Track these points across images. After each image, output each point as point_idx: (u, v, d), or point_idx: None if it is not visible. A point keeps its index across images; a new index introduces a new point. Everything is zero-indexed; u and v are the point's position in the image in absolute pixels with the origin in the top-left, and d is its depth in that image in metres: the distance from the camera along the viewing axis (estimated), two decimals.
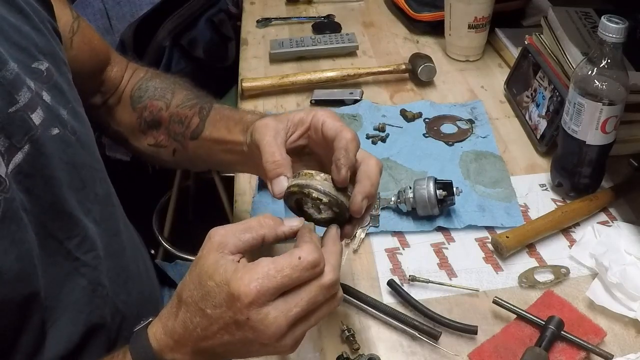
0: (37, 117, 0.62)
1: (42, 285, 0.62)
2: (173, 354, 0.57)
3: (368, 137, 1.05)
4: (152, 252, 0.97)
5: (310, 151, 0.72)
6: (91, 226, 0.70)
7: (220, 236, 0.57)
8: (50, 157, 0.63)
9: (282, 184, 0.64)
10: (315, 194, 0.62)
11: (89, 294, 0.69)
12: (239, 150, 0.76)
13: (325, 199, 0.62)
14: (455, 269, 0.82)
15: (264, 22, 1.43)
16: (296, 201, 0.65)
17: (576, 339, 0.70)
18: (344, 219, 0.65)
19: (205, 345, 0.56)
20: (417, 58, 1.19)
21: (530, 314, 0.73)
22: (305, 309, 0.54)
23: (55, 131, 0.65)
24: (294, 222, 0.59)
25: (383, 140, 1.04)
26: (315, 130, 0.68)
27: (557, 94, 0.98)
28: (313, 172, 0.63)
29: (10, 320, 0.60)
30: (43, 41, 0.69)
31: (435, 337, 0.72)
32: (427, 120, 1.08)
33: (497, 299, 0.74)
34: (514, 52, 1.19)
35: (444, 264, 0.83)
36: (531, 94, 1.05)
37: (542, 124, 1.00)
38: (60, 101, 0.68)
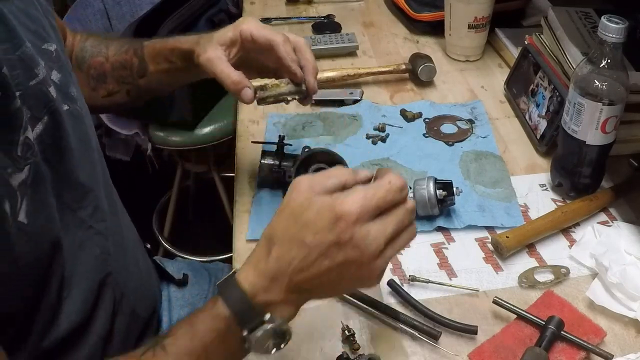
0: (53, 92, 0.66)
1: (62, 251, 0.65)
2: (267, 294, 0.57)
3: (368, 137, 1.05)
4: (148, 246, 0.98)
5: (248, 57, 0.84)
6: (102, 196, 0.74)
7: (308, 180, 0.58)
8: (66, 130, 0.67)
9: (247, 93, 0.80)
10: (289, 97, 0.84)
11: (101, 262, 0.73)
12: (185, 70, 0.88)
13: (296, 97, 0.84)
14: (455, 269, 0.82)
15: (264, 22, 1.43)
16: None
17: (576, 339, 0.70)
18: (306, 95, 0.85)
19: (300, 279, 0.56)
20: (417, 58, 1.19)
21: (530, 314, 0.73)
22: (396, 230, 0.57)
23: (66, 107, 0.69)
24: (367, 172, 0.61)
25: (383, 140, 1.04)
26: (247, 42, 0.82)
27: (557, 94, 0.98)
28: (277, 81, 0.83)
29: (34, 281, 0.62)
30: (47, 24, 0.72)
31: (435, 337, 0.72)
32: (427, 120, 1.08)
33: (497, 299, 0.74)
34: (514, 52, 1.19)
35: (444, 264, 0.83)
36: (531, 93, 1.06)
37: (542, 124, 1.00)
38: (69, 80, 0.72)
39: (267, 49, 0.81)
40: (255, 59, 0.85)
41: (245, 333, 0.56)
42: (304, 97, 0.85)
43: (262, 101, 0.83)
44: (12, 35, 0.62)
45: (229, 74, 0.79)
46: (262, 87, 0.83)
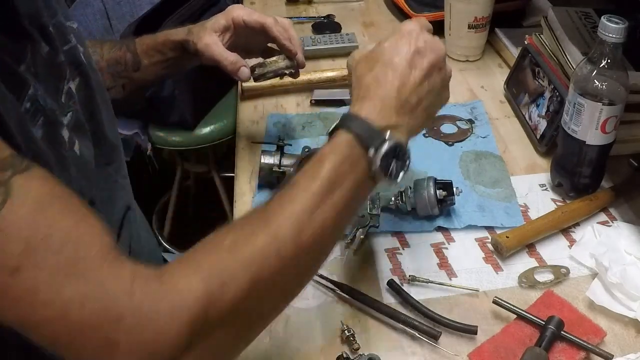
0: (81, 57, 0.70)
1: (96, 197, 0.67)
2: (382, 119, 0.61)
3: None
4: None
5: (237, 41, 0.92)
6: (122, 155, 0.79)
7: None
8: (94, 89, 0.71)
9: (244, 72, 0.89)
10: (286, 71, 0.92)
11: (125, 214, 0.78)
12: (178, 59, 0.94)
13: (292, 70, 0.93)
14: (455, 269, 0.82)
15: None
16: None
17: (576, 339, 0.70)
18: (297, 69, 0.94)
19: (405, 95, 0.63)
20: None
21: (530, 314, 0.73)
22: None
23: (91, 73, 0.73)
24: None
25: None
26: (240, 27, 0.91)
27: (557, 94, 0.98)
28: (274, 58, 0.92)
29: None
30: (67, 6, 0.76)
31: (435, 337, 0.72)
32: None
33: (497, 299, 0.74)
34: (514, 52, 1.18)
35: (444, 264, 0.83)
36: (532, 93, 1.06)
37: (542, 124, 1.00)
38: (89, 55, 0.76)
39: (260, 32, 0.91)
40: (244, 42, 0.94)
41: (371, 152, 0.58)
42: (295, 71, 0.94)
43: (261, 77, 0.91)
44: (49, 5, 0.66)
45: (227, 56, 0.88)
46: (261, 64, 0.91)
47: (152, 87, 1.04)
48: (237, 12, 0.91)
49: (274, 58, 0.92)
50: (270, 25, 0.90)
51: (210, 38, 0.89)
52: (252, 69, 0.91)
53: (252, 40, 0.94)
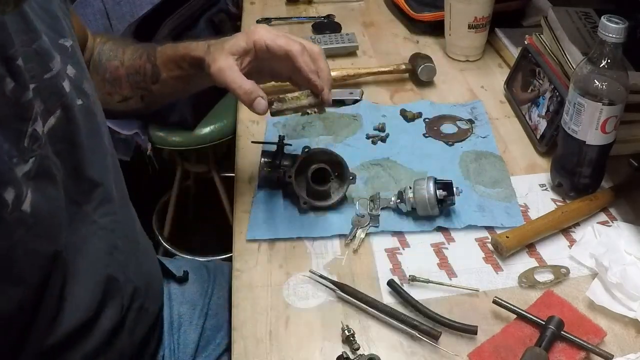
0: (67, 86, 0.67)
1: (66, 245, 0.65)
2: None
3: (368, 137, 1.05)
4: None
5: (260, 64, 0.83)
6: (112, 189, 0.75)
7: None
8: (78, 124, 0.68)
9: (260, 104, 0.78)
10: (309, 110, 0.81)
11: (107, 256, 0.72)
12: (197, 77, 0.87)
13: (315, 109, 0.82)
14: (455, 269, 0.82)
15: (264, 22, 1.43)
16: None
17: (576, 339, 0.70)
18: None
19: None
20: (417, 58, 1.19)
21: (530, 314, 0.73)
22: None
23: (80, 102, 0.69)
24: None
25: (383, 140, 1.04)
26: (262, 52, 0.81)
27: (557, 94, 0.98)
28: (297, 94, 0.81)
29: (35, 275, 0.62)
30: (66, 23, 0.73)
31: (435, 337, 0.72)
32: (427, 120, 1.08)
33: (497, 299, 0.74)
34: (514, 52, 1.19)
35: (444, 264, 0.83)
36: (531, 93, 1.06)
37: (542, 124, 1.00)
38: (83, 75, 0.73)
39: (284, 59, 0.80)
40: (269, 65, 0.84)
41: None
42: (319, 109, 0.83)
43: (278, 113, 0.81)
44: (30, 28, 0.63)
45: (241, 84, 0.78)
46: (281, 99, 0.80)
47: (171, 100, 0.99)
48: (259, 35, 0.81)
49: (296, 94, 0.81)
50: (296, 54, 0.79)
51: (225, 62, 0.79)
52: (270, 102, 0.80)
53: (277, 64, 0.84)
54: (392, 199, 0.89)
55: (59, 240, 0.64)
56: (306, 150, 0.90)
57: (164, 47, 0.91)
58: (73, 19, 0.86)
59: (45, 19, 0.69)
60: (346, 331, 0.73)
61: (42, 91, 0.63)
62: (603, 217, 0.89)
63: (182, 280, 0.98)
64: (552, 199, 0.92)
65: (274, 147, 0.94)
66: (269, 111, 0.80)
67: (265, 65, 0.84)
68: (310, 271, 0.81)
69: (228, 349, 0.88)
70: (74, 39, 0.74)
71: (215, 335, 0.94)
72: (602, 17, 0.78)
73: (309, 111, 0.82)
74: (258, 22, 1.43)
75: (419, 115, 1.10)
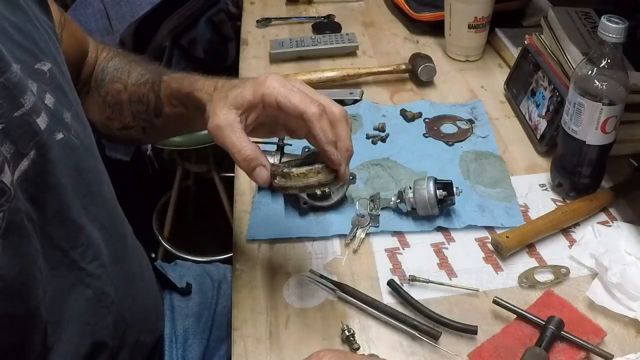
0: (42, 122, 0.60)
1: (45, 298, 0.60)
2: None
3: (368, 137, 1.05)
4: (153, 255, 0.96)
5: (273, 119, 0.72)
6: (96, 233, 0.68)
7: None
8: (56, 163, 0.61)
9: (261, 175, 0.66)
10: (318, 190, 0.68)
11: (94, 304, 0.67)
12: (200, 120, 0.74)
13: (325, 188, 0.68)
14: (455, 269, 0.82)
15: (264, 22, 1.43)
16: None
17: (576, 339, 0.70)
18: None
19: None
20: (417, 58, 1.19)
21: (530, 314, 0.73)
22: None
23: (60, 136, 0.63)
24: None
25: (383, 140, 1.04)
26: (271, 109, 0.68)
27: (557, 94, 0.98)
28: (304, 169, 0.68)
29: (10, 338, 0.58)
30: (43, 41, 0.67)
31: (435, 337, 0.72)
32: (427, 120, 1.08)
33: (497, 299, 0.74)
34: (514, 52, 1.19)
35: (444, 264, 0.83)
36: (531, 93, 1.06)
37: (542, 124, 1.00)
38: (64, 103, 0.66)
39: (297, 119, 0.67)
40: (283, 120, 0.72)
41: None
42: (331, 188, 0.70)
43: (281, 189, 0.69)
44: None
45: (241, 149, 0.66)
46: (285, 174, 0.68)
47: (175, 136, 0.90)
48: (269, 89, 0.66)
49: (304, 169, 0.68)
50: (312, 118, 0.65)
51: (225, 118, 0.67)
52: (273, 174, 0.68)
53: (292, 122, 0.71)
54: (392, 199, 0.89)
55: (35, 296, 0.58)
56: (306, 150, 0.89)
57: (171, 77, 0.80)
58: (68, 29, 0.80)
59: (19, 41, 0.62)
60: (346, 331, 0.73)
61: (12, 132, 0.56)
62: (603, 217, 0.89)
63: (185, 292, 0.94)
64: (552, 199, 0.92)
65: (274, 147, 0.94)
66: (274, 186, 0.69)
67: (276, 120, 0.72)
68: (310, 271, 0.81)
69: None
70: (54, 59, 0.67)
71: (219, 346, 0.91)
72: (602, 17, 0.78)
73: (317, 191, 0.71)
74: (258, 22, 1.43)
75: (419, 115, 1.10)
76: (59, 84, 0.66)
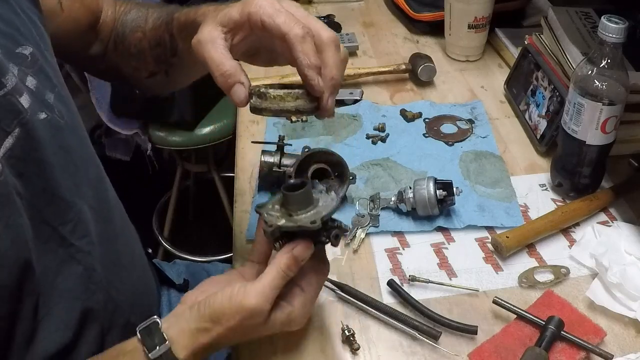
0: (25, 101, 0.62)
1: (36, 271, 0.62)
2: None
3: (368, 137, 1.05)
4: (150, 250, 0.96)
5: (263, 44, 0.68)
6: (85, 210, 0.69)
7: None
8: (41, 141, 0.62)
9: (238, 92, 0.62)
10: (293, 117, 0.61)
11: (85, 280, 0.69)
12: None
13: (303, 116, 0.61)
14: (455, 269, 0.82)
15: None
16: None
17: (576, 339, 0.70)
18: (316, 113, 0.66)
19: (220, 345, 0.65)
20: (417, 58, 1.19)
21: (530, 314, 0.73)
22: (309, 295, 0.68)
23: (43, 115, 0.64)
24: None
25: (383, 140, 1.04)
26: (257, 29, 0.64)
27: (557, 94, 0.98)
28: (282, 92, 0.63)
29: (4, 307, 0.60)
30: (25, 26, 0.67)
31: (435, 337, 0.72)
32: (427, 120, 1.09)
33: (497, 299, 0.74)
34: (514, 52, 1.19)
35: (444, 264, 0.83)
36: (531, 93, 1.06)
37: (542, 124, 1.01)
38: (47, 85, 0.67)
39: (280, 38, 0.62)
40: (269, 45, 0.68)
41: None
42: (315, 114, 0.66)
43: (256, 110, 0.65)
44: None
45: (219, 64, 0.62)
46: (261, 94, 0.64)
47: (195, 78, 0.85)
48: (256, 8, 0.62)
49: (282, 92, 0.63)
50: (293, 39, 0.61)
51: (208, 33, 0.63)
52: (251, 93, 0.64)
53: (277, 45, 0.65)
54: (392, 199, 0.89)
55: (29, 267, 0.61)
56: (306, 150, 0.90)
57: (181, 12, 0.77)
58: None
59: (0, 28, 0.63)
60: (346, 331, 0.73)
61: None
62: (603, 217, 0.89)
63: (183, 288, 0.95)
64: (552, 199, 0.92)
65: (274, 147, 0.94)
66: (249, 106, 0.65)
67: (265, 45, 0.68)
68: None
69: (229, 358, 0.87)
70: (36, 43, 0.68)
71: None
72: (602, 17, 0.78)
73: (294, 118, 0.65)
74: None
75: (419, 115, 1.10)
76: (41, 67, 0.67)
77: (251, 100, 0.64)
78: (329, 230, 0.65)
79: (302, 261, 0.65)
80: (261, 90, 0.64)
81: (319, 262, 0.68)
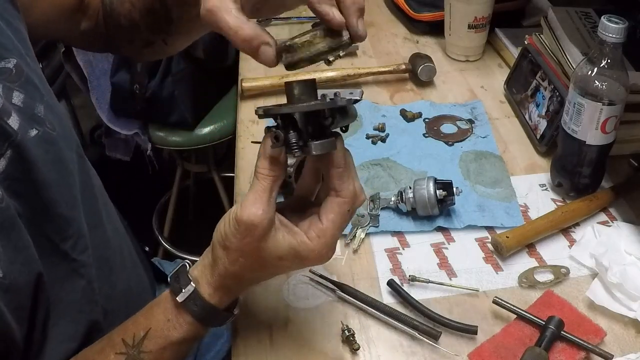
0: (14, 122, 0.60)
1: (45, 284, 0.62)
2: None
3: (368, 137, 1.05)
4: (147, 249, 0.96)
5: None
6: (83, 223, 0.69)
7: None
8: (35, 160, 0.62)
9: (267, 53, 0.57)
10: (330, 56, 0.60)
11: (88, 293, 0.69)
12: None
13: (340, 52, 0.61)
14: (455, 269, 0.82)
15: (264, 22, 1.43)
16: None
17: (576, 339, 0.70)
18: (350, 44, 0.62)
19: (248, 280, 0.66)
20: (417, 58, 1.19)
21: (530, 314, 0.73)
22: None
23: (34, 132, 0.63)
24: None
25: (383, 140, 1.04)
26: None
27: (557, 94, 0.98)
28: (307, 36, 0.59)
29: (24, 326, 0.60)
30: (6, 37, 0.65)
31: (435, 337, 0.72)
32: (427, 120, 1.08)
33: (497, 299, 0.74)
34: (514, 52, 1.19)
35: (444, 264, 0.83)
36: (531, 94, 1.06)
37: (542, 124, 1.00)
38: (35, 97, 0.65)
39: None
40: None
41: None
42: (349, 46, 0.62)
43: (293, 66, 0.60)
44: None
45: (238, 29, 0.56)
46: (289, 48, 0.59)
47: (195, 39, 0.82)
48: None
49: (307, 37, 0.59)
50: None
51: (221, 11, 0.57)
52: (279, 52, 0.59)
53: None
54: (392, 199, 0.89)
55: (39, 282, 0.61)
56: None
57: None
58: None
59: None
60: (346, 331, 0.73)
61: None
62: (603, 217, 0.89)
63: None
64: (552, 199, 0.92)
65: None
66: (283, 64, 0.60)
67: None
68: (310, 271, 0.81)
69: (227, 357, 0.87)
70: (19, 53, 0.66)
71: (215, 342, 0.91)
72: (602, 17, 0.78)
73: (330, 58, 0.61)
74: (258, 22, 1.42)
75: (419, 115, 1.10)
76: (28, 78, 0.65)
77: (282, 60, 0.60)
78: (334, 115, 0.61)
79: (276, 156, 0.61)
80: (287, 44, 0.59)
81: (339, 180, 0.61)
